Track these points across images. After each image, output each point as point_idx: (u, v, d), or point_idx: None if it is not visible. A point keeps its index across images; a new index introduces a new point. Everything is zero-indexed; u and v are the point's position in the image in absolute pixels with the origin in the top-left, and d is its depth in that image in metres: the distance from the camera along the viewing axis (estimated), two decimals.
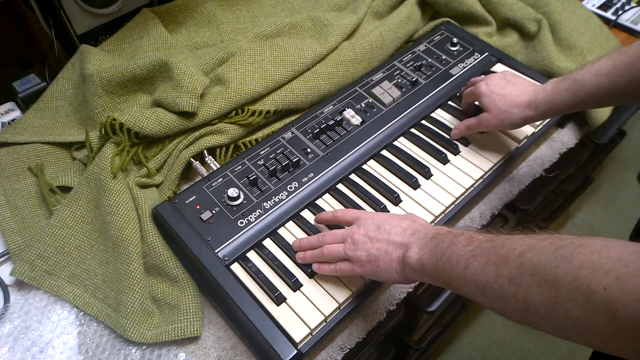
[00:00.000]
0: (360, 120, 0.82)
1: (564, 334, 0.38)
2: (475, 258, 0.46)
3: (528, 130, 0.82)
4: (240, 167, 0.74)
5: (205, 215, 0.68)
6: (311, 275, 0.64)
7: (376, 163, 0.78)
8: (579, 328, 0.36)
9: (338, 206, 0.72)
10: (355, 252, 0.57)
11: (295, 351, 0.58)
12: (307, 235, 0.68)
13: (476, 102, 0.81)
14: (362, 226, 0.59)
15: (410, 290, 0.72)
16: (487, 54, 0.95)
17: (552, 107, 0.69)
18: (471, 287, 0.46)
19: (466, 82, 0.90)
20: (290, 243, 0.67)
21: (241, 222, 0.68)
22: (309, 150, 0.77)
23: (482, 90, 0.75)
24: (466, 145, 0.81)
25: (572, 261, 0.37)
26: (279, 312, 0.61)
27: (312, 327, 0.60)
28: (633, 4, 1.17)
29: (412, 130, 0.83)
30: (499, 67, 0.94)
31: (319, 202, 0.73)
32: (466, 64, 0.92)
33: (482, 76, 0.80)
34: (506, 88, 0.73)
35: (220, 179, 0.73)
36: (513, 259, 0.42)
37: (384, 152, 0.79)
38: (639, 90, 0.61)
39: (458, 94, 0.87)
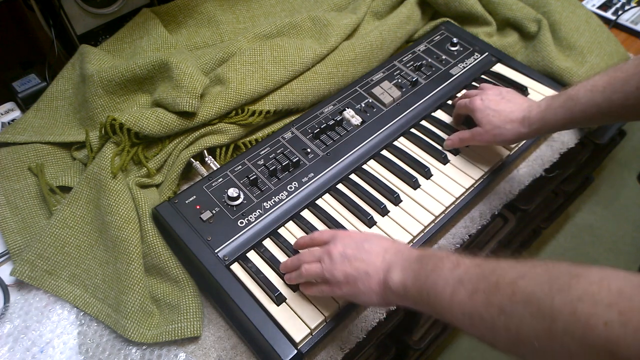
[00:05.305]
0: (360, 120, 0.82)
1: None
2: (462, 285, 0.43)
3: None
4: (240, 167, 0.74)
5: (205, 215, 0.68)
6: None
7: (376, 163, 0.78)
8: None
9: (338, 206, 0.72)
10: (332, 273, 0.54)
11: (295, 351, 0.58)
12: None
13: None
14: (339, 243, 0.55)
15: None
16: (487, 54, 0.95)
17: (545, 124, 0.67)
18: (457, 316, 0.43)
19: (466, 83, 0.90)
20: (291, 243, 0.67)
21: (241, 222, 0.68)
22: (309, 150, 0.77)
23: (476, 105, 0.73)
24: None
25: (569, 292, 0.35)
26: (279, 312, 0.61)
27: (312, 327, 0.60)
28: (633, 4, 1.17)
29: (412, 130, 0.83)
30: (499, 67, 0.94)
31: (319, 202, 0.73)
32: (466, 64, 0.92)
33: (477, 90, 0.79)
34: (500, 104, 0.72)
35: (220, 179, 0.73)
36: (504, 287, 0.40)
37: (384, 152, 0.79)
38: (634, 108, 0.59)
39: (451, 103, 0.86)
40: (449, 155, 0.79)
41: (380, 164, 0.78)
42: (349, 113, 0.82)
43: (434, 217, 0.71)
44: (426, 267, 0.48)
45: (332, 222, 0.69)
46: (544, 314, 0.35)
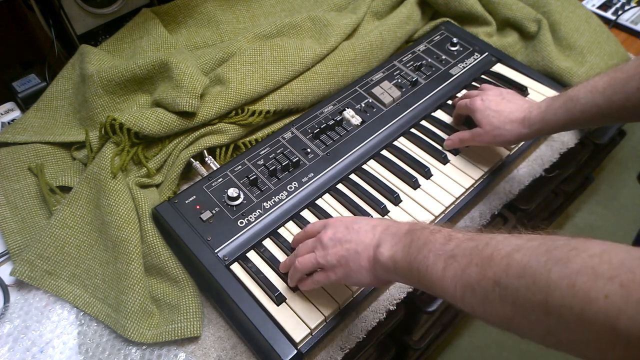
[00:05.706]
0: (360, 120, 0.82)
1: (553, 342, 0.35)
2: (455, 258, 0.42)
3: None
4: (240, 167, 0.74)
5: (205, 215, 0.68)
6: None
7: (376, 163, 0.78)
8: (572, 337, 0.33)
9: (338, 206, 0.72)
10: (325, 258, 0.54)
11: (295, 351, 0.58)
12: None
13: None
14: (329, 229, 0.55)
15: (410, 290, 0.71)
16: (487, 54, 0.95)
17: (545, 125, 0.67)
18: (449, 290, 0.42)
19: (466, 83, 0.90)
20: (291, 243, 0.67)
21: (241, 222, 0.68)
22: (309, 150, 0.77)
23: (476, 105, 0.73)
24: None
25: (568, 265, 0.34)
26: (279, 312, 0.61)
27: (312, 327, 0.60)
28: (633, 4, 1.17)
29: (412, 130, 0.83)
30: (499, 67, 0.94)
31: (319, 202, 0.73)
32: (466, 64, 0.92)
33: (477, 91, 0.78)
34: (501, 104, 0.72)
35: (220, 179, 0.73)
36: (498, 260, 0.38)
37: (384, 152, 0.79)
38: (635, 109, 0.59)
39: (451, 103, 0.86)
40: (449, 155, 0.79)
41: (380, 164, 0.78)
42: (349, 113, 0.82)
43: (434, 217, 0.71)
44: (417, 241, 0.47)
45: None
46: (540, 286, 0.34)
